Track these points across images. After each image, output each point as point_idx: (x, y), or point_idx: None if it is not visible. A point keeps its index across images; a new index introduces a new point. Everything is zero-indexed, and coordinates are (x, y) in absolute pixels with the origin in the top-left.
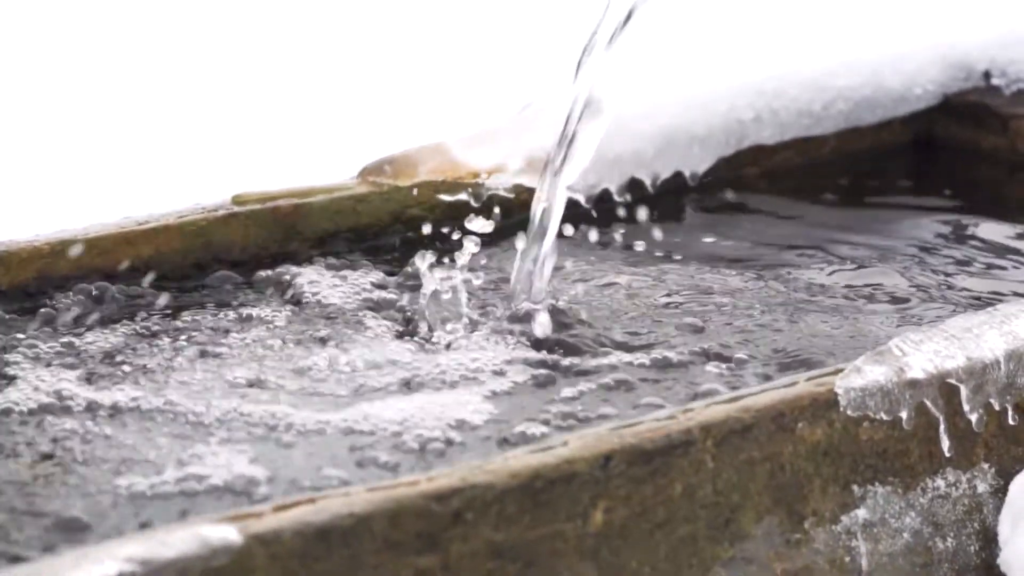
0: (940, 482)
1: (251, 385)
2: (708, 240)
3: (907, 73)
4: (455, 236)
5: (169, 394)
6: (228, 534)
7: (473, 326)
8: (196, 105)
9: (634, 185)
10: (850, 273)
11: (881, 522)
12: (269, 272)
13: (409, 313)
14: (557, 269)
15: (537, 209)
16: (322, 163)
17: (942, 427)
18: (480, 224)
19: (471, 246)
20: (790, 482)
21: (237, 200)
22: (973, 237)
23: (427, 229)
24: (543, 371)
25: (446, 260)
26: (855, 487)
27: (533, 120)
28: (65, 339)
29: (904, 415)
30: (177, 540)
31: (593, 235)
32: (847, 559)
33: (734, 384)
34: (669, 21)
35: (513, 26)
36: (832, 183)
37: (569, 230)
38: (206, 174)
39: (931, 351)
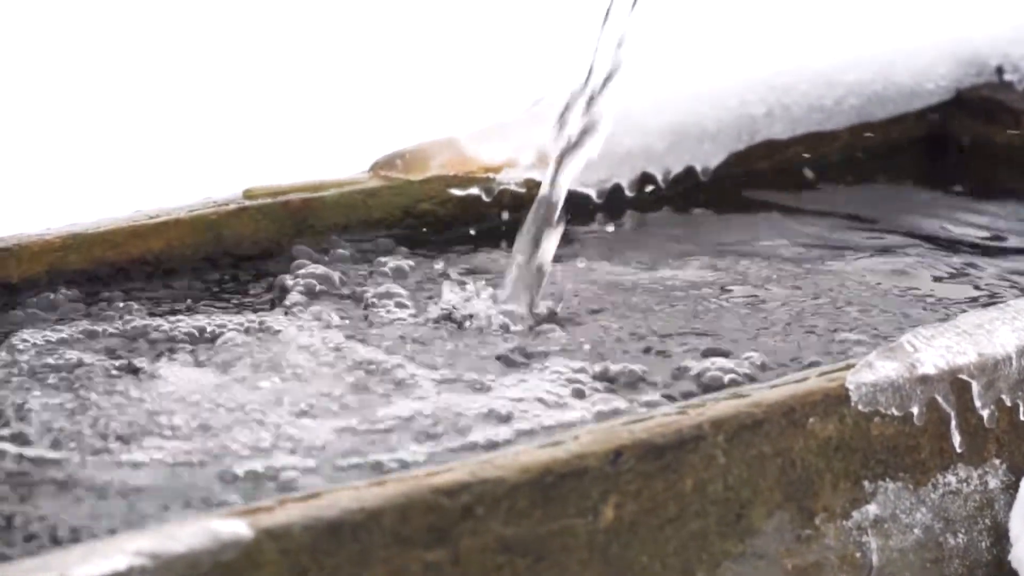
0: (951, 478)
1: None
2: (724, 236)
3: (919, 68)
4: None
5: None
6: (238, 528)
7: None
8: (207, 99)
9: (645, 180)
10: (863, 267)
11: (892, 518)
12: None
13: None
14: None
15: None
16: (333, 157)
17: (953, 423)
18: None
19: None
20: (801, 477)
21: (248, 194)
22: (986, 233)
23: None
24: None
25: None
26: (866, 483)
27: (545, 114)
28: None
29: (915, 411)
30: (187, 534)
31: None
32: (858, 555)
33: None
34: (679, 15)
35: (524, 20)
36: (843, 178)
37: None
38: (217, 168)
39: (943, 347)
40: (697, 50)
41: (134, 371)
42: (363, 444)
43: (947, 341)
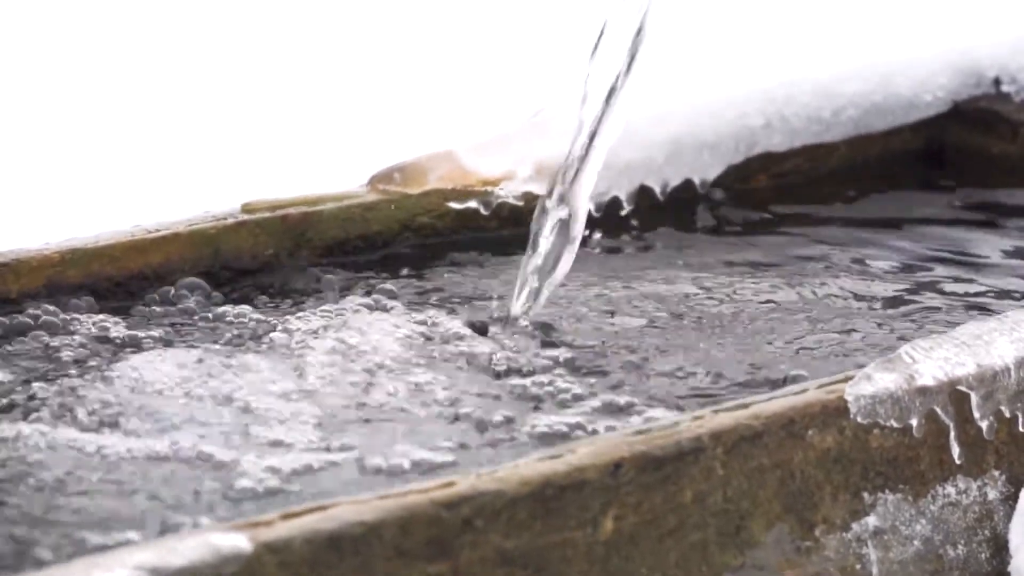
0: (950, 489)
1: None
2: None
3: (917, 79)
4: None
5: None
6: (238, 542)
7: None
8: (205, 113)
9: (644, 193)
10: (858, 281)
11: (892, 529)
12: None
13: None
14: None
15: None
16: (332, 171)
17: (952, 434)
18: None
19: None
20: (800, 489)
21: (247, 208)
22: (983, 244)
23: None
24: None
25: None
26: (865, 494)
27: (543, 127)
28: None
29: (914, 422)
30: (187, 548)
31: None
32: (858, 567)
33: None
34: (679, 27)
35: (523, 33)
36: (841, 190)
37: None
38: (216, 182)
39: (941, 358)
40: (697, 62)
41: None
42: None
43: (945, 352)
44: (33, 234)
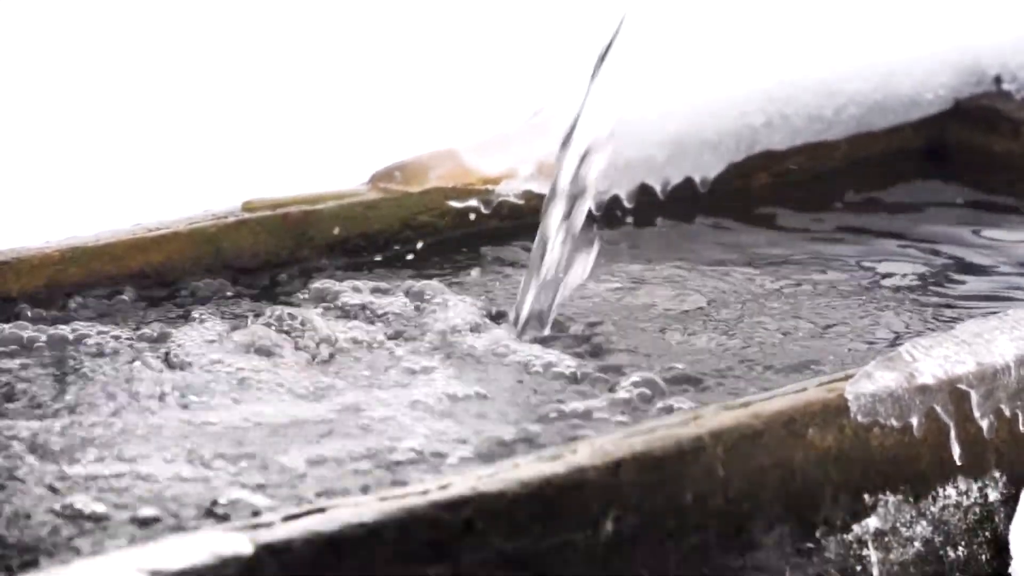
0: (951, 490)
1: None
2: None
3: (918, 78)
4: None
5: None
6: (238, 544)
7: None
8: (206, 111)
9: (644, 191)
10: (860, 278)
11: (892, 531)
12: None
13: None
14: None
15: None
16: (332, 169)
17: (952, 433)
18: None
19: None
20: (801, 490)
21: (247, 207)
22: (985, 242)
23: None
24: None
25: None
26: (866, 495)
27: (544, 126)
28: None
29: (914, 421)
30: (188, 550)
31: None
32: (858, 568)
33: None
34: (680, 26)
35: (524, 32)
36: (843, 188)
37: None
38: (216, 181)
39: (941, 356)
40: (699, 61)
41: None
42: None
43: (946, 351)
44: (34, 233)
